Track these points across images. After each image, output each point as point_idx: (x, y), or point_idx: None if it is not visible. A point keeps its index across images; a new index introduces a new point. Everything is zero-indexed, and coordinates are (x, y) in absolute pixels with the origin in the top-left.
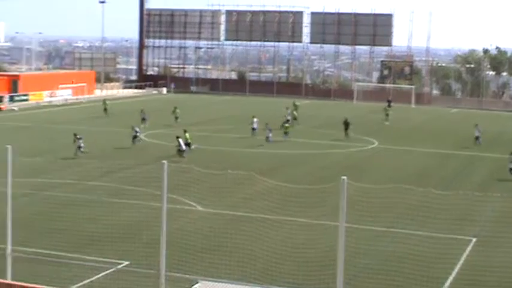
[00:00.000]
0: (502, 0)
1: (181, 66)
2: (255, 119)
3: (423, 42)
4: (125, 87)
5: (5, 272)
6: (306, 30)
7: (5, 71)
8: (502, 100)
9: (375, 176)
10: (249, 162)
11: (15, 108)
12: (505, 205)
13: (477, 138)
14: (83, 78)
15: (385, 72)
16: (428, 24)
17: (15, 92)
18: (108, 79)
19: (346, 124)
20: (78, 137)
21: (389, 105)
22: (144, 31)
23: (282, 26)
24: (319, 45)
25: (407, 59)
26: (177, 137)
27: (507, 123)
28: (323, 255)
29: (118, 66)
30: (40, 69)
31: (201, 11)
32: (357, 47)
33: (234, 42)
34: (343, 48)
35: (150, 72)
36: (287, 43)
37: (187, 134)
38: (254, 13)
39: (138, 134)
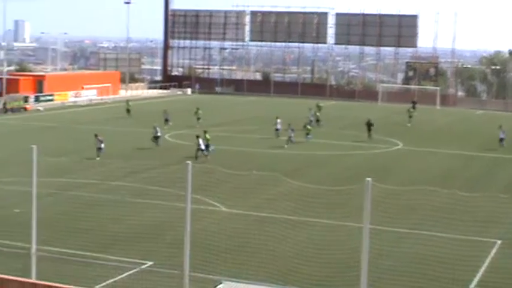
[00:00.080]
0: None
1: (206, 67)
2: (279, 120)
3: (448, 43)
4: (150, 88)
5: (30, 272)
6: (331, 31)
7: (30, 71)
8: None
9: (399, 177)
10: (272, 163)
11: (41, 108)
12: None
13: (501, 140)
14: (108, 79)
15: (410, 73)
16: (454, 25)
17: (41, 92)
18: (133, 79)
19: (369, 125)
20: (99, 138)
21: (414, 107)
22: (169, 32)
23: (307, 26)
24: (343, 46)
25: (433, 60)
26: (197, 136)
27: None
28: (347, 256)
29: (143, 66)
30: (65, 70)
31: (225, 12)
32: (382, 48)
33: (259, 43)
34: (368, 49)
35: (174, 73)
36: (312, 44)
37: (207, 135)
38: (279, 14)
39: (158, 134)
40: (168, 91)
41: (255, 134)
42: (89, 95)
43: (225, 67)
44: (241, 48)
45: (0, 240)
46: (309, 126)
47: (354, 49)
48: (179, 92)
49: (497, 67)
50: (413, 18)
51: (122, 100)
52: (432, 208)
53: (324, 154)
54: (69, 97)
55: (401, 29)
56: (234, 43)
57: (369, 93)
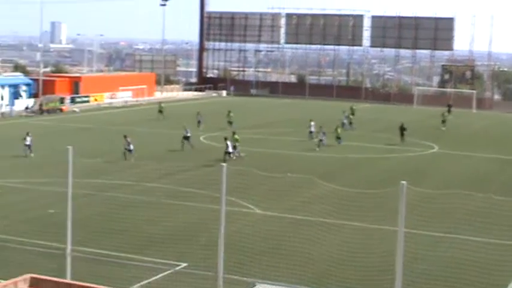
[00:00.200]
0: None
1: (241, 69)
2: (312, 123)
3: (485, 46)
4: (185, 90)
5: (65, 272)
6: (366, 33)
7: (66, 72)
8: None
9: (434, 180)
10: (305, 166)
11: (76, 110)
12: None
13: None
14: (143, 81)
15: (446, 76)
16: (490, 28)
17: (77, 93)
18: (168, 81)
19: (402, 129)
20: (128, 140)
21: (449, 110)
22: (204, 34)
23: (342, 29)
24: (379, 49)
25: (469, 63)
26: (225, 138)
27: None
28: (381, 260)
29: (178, 68)
30: (101, 71)
31: (261, 14)
32: (418, 51)
33: (294, 46)
34: (404, 52)
35: (210, 75)
36: (347, 46)
37: (236, 135)
38: (314, 16)
39: (188, 134)
40: (203, 93)
41: (290, 136)
42: (124, 96)
43: (260, 69)
44: (276, 51)
45: (35, 241)
46: (339, 130)
47: (389, 52)
48: (214, 94)
49: None
50: (450, 21)
51: (157, 102)
52: (467, 212)
53: (358, 157)
54: (105, 99)
55: (438, 31)
56: (269, 45)
57: (404, 96)
